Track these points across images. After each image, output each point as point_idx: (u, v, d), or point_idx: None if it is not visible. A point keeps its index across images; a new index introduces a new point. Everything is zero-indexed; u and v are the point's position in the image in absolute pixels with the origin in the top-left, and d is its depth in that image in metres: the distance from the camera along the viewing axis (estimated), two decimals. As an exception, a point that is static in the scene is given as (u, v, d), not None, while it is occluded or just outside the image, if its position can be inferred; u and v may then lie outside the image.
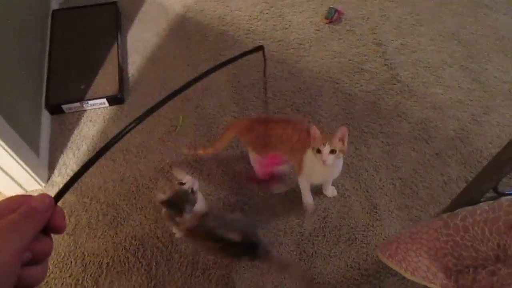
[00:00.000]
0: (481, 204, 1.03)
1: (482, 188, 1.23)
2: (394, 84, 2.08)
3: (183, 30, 2.29)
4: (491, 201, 1.01)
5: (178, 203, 1.37)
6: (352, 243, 1.63)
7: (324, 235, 1.64)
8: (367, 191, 1.75)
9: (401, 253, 1.24)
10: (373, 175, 1.79)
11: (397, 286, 1.54)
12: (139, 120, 0.51)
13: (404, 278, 1.43)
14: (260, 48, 0.71)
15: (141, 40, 2.26)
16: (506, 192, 1.36)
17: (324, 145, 1.35)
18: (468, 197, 1.29)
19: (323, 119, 1.94)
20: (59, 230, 0.45)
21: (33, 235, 0.42)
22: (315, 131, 1.40)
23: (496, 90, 2.05)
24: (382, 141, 1.88)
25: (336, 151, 1.36)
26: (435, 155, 1.85)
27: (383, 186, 1.77)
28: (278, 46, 2.21)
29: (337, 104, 2.00)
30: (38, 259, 0.43)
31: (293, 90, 2.04)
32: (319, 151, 1.37)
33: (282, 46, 2.21)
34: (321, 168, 1.44)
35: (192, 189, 1.38)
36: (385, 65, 2.14)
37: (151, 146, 1.88)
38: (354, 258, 1.60)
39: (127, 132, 0.51)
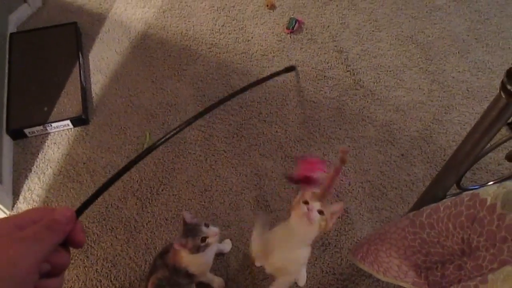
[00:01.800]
0: (444, 200, 1.06)
1: (445, 185, 1.27)
2: (357, 89, 2.12)
3: (146, 47, 2.28)
4: (454, 197, 1.04)
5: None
6: (325, 249, 1.64)
7: (298, 242, 1.65)
8: (337, 196, 1.77)
9: (372, 254, 1.25)
10: (342, 180, 1.81)
11: (372, 287, 1.56)
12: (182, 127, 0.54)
13: (378, 280, 1.45)
14: (292, 68, 0.70)
15: (103, 59, 2.24)
16: (469, 188, 1.40)
17: (315, 202, 1.17)
18: (433, 194, 1.32)
19: (290, 128, 1.96)
20: (78, 244, 0.47)
21: (53, 247, 0.43)
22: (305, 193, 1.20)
23: (455, 89, 2.12)
24: (349, 146, 1.91)
25: (323, 214, 1.16)
26: (401, 156, 1.89)
27: (353, 189, 1.79)
28: (241, 58, 2.23)
29: (303, 112, 2.02)
30: (55, 271, 0.44)
31: (259, 101, 2.05)
32: (306, 202, 1.18)
33: (246, 58, 2.23)
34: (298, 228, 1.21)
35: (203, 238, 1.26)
36: (348, 71, 2.19)
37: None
38: (328, 264, 1.61)
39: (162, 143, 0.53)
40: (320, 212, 1.15)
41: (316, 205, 1.16)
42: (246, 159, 1.87)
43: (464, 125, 1.99)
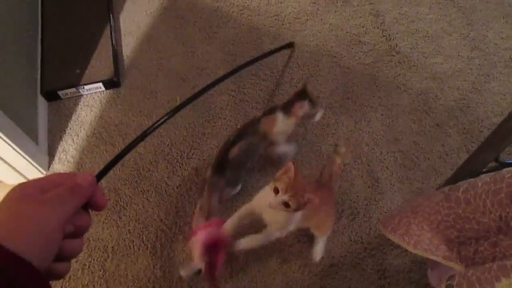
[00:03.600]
0: (482, 176, 1.03)
1: (484, 159, 1.23)
2: (393, 55, 2.04)
3: (176, 9, 2.25)
4: (493, 173, 1.00)
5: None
6: (354, 218, 1.64)
7: (327, 210, 1.64)
8: (368, 165, 1.74)
9: (403, 226, 1.24)
10: (373, 149, 1.78)
11: (400, 258, 1.56)
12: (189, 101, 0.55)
13: (407, 250, 1.44)
14: (290, 45, 0.69)
15: (134, 21, 2.22)
16: (508, 162, 1.35)
17: (284, 193, 1.09)
18: (470, 168, 1.28)
19: (322, 94, 1.92)
20: (99, 207, 0.50)
21: (76, 209, 0.47)
22: (291, 171, 1.11)
23: (497, 57, 2.02)
24: (382, 114, 1.87)
25: (290, 207, 1.10)
26: (436, 126, 1.83)
27: (384, 159, 1.76)
28: (273, 21, 2.17)
29: (336, 79, 1.97)
30: (77, 232, 0.48)
31: (290, 66, 2.01)
32: (276, 190, 1.11)
33: (278, 21, 2.17)
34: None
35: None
36: (383, 36, 2.11)
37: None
38: (357, 232, 1.61)
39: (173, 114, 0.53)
40: (286, 204, 1.10)
41: (281, 199, 1.09)
42: (276, 126, 1.85)
43: (504, 95, 1.91)
